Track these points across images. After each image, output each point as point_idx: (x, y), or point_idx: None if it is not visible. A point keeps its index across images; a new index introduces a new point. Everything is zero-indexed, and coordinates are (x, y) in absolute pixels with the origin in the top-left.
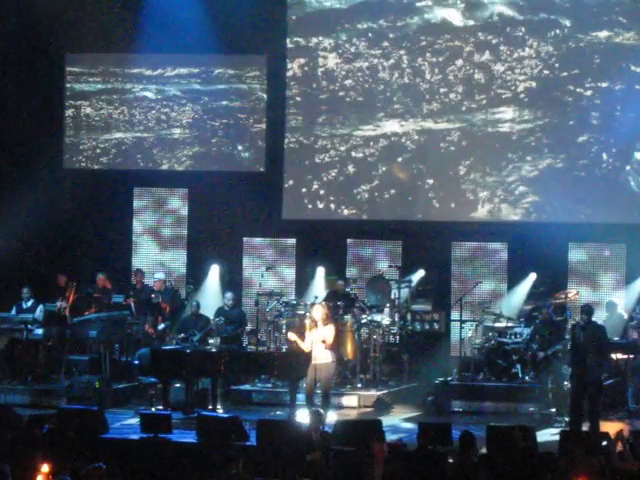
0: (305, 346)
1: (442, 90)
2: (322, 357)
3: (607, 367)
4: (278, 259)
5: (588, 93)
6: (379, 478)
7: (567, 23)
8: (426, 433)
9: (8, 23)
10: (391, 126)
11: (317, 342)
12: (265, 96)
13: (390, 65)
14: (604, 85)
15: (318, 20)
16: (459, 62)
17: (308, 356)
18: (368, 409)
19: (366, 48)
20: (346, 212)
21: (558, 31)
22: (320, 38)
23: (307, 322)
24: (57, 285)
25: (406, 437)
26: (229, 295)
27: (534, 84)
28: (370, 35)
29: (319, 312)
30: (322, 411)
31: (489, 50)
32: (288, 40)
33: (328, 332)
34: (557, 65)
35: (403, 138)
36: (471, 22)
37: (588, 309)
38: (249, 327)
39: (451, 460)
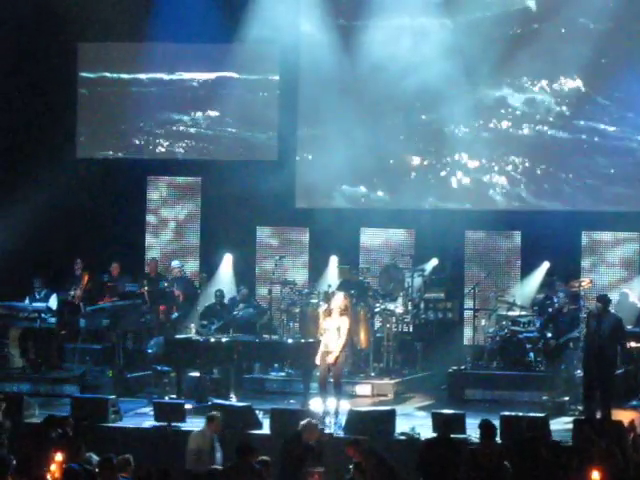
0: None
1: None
2: (333, 346)
3: (621, 357)
4: (291, 248)
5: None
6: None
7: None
8: (439, 422)
9: (21, 13)
10: (404, 114)
11: (330, 330)
12: (278, 85)
13: (408, 56)
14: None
15: (331, 7)
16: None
17: (318, 344)
18: (382, 397)
19: (381, 36)
20: (359, 201)
21: None
22: (333, 25)
23: (321, 310)
24: (73, 272)
25: (420, 426)
26: (245, 291)
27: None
28: (386, 21)
29: (340, 301)
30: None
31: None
32: (300, 28)
33: (343, 323)
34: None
35: (415, 126)
36: None
37: (605, 298)
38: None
39: (472, 448)
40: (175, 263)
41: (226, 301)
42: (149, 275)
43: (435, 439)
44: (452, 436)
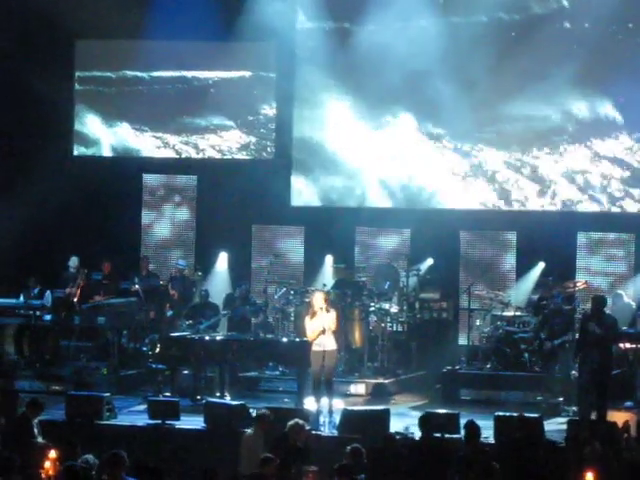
0: (309, 334)
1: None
2: (329, 344)
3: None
4: (287, 246)
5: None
6: None
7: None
8: (432, 422)
9: (18, 10)
10: (402, 117)
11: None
12: (274, 83)
13: (406, 54)
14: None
15: (327, 4)
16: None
17: (311, 344)
18: (375, 397)
19: (378, 34)
20: (355, 200)
21: None
22: (330, 23)
23: (310, 310)
24: (67, 269)
25: (413, 425)
26: (245, 288)
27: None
28: (382, 19)
29: (320, 300)
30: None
31: None
32: (297, 26)
33: (331, 319)
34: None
35: (411, 125)
36: None
37: (600, 299)
38: None
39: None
40: (181, 263)
41: (221, 299)
42: (140, 273)
43: (419, 441)
44: (447, 436)
